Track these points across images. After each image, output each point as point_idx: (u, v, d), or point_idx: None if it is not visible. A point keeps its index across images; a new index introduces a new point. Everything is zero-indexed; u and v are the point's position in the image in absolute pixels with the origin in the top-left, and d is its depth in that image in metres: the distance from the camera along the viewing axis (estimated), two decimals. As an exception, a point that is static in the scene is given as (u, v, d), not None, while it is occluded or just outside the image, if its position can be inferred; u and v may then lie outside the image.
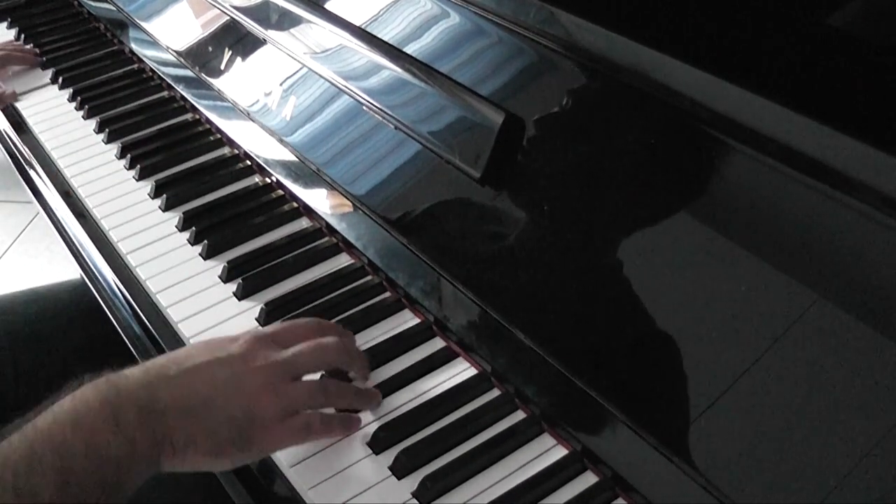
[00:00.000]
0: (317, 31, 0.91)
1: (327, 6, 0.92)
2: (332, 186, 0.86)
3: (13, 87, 1.21)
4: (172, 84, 1.12)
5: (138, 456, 0.56)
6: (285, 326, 0.71)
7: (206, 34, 1.10)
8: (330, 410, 0.68)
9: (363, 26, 0.86)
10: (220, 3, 1.07)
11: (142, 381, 0.59)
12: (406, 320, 0.77)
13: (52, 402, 0.58)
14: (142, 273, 0.86)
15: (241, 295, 0.81)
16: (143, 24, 1.19)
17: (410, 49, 0.81)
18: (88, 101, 1.14)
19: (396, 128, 0.80)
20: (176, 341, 0.80)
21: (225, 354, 0.63)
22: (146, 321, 0.83)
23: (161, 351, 0.80)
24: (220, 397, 0.60)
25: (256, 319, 0.79)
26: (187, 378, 0.61)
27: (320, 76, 0.90)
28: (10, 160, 1.14)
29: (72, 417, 0.55)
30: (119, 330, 0.86)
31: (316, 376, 0.69)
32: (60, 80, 1.20)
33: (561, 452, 0.65)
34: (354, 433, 0.68)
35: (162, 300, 0.82)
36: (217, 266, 0.85)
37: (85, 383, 0.59)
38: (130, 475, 0.56)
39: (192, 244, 0.88)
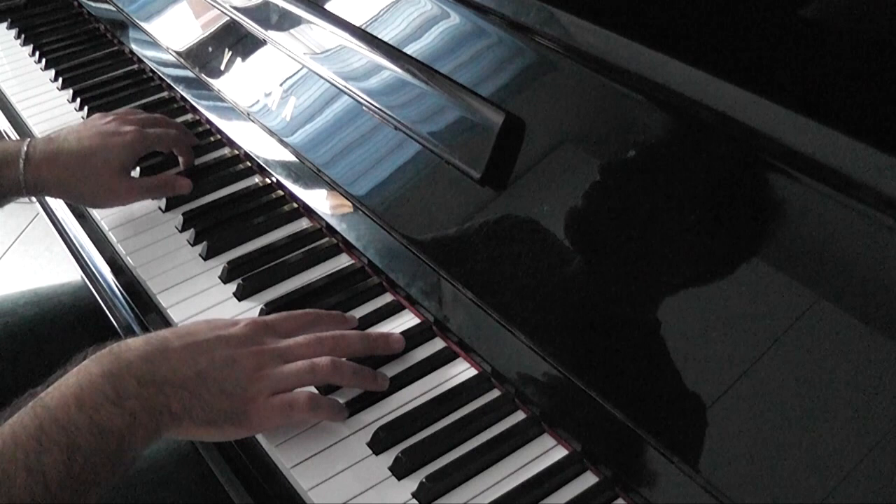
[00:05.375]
0: (317, 32, 0.91)
1: (327, 6, 0.92)
2: (332, 187, 0.86)
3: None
4: (172, 84, 1.12)
5: (138, 426, 0.59)
6: (284, 316, 0.72)
7: (206, 34, 1.10)
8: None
9: (363, 27, 0.87)
10: (220, 4, 1.07)
11: (143, 352, 0.62)
12: (406, 321, 0.77)
13: (61, 375, 0.61)
14: (142, 274, 0.86)
15: (242, 295, 0.81)
16: (143, 25, 1.19)
17: (410, 49, 0.81)
18: (89, 101, 1.14)
19: (396, 128, 0.80)
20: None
21: (226, 333, 0.66)
22: (146, 322, 0.83)
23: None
24: (217, 372, 0.63)
25: (256, 320, 0.79)
26: (187, 352, 0.63)
27: (320, 77, 0.90)
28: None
29: (76, 393, 0.58)
30: (119, 330, 0.86)
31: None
32: (61, 80, 1.20)
33: (561, 453, 0.65)
34: (353, 428, 0.68)
35: (162, 301, 0.82)
36: (217, 267, 0.85)
37: (89, 355, 0.62)
38: (132, 445, 0.59)
39: (192, 245, 0.88)
